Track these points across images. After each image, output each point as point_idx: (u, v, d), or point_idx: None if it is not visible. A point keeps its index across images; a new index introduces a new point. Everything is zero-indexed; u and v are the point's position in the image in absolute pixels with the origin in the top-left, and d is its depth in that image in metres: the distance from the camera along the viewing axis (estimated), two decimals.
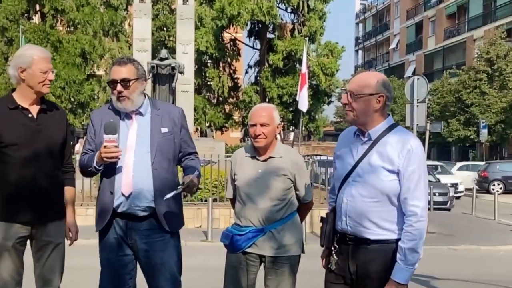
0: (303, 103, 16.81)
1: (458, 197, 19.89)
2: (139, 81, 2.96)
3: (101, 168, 2.92)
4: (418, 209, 2.49)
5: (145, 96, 3.05)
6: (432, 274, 6.74)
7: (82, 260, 5.80)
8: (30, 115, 3.00)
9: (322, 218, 2.81)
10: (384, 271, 2.52)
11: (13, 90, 3.08)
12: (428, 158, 18.45)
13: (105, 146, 2.82)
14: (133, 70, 2.95)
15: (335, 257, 2.67)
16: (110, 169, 2.92)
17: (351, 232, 2.59)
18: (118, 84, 2.91)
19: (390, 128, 2.58)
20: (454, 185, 20.10)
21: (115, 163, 2.89)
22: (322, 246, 2.76)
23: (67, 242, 3.17)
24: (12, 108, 2.98)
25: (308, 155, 22.10)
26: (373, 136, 2.57)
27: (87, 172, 3.01)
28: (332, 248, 2.69)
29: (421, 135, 15.60)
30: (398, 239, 2.53)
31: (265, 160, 3.18)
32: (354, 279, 2.60)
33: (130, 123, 2.98)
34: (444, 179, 20.20)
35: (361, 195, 2.55)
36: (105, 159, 2.84)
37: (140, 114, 3.00)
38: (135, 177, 2.86)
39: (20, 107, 2.99)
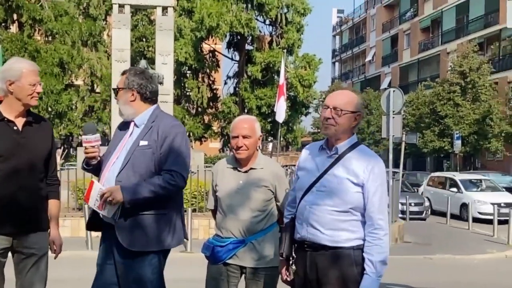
0: (280, 114, 16.95)
1: None
2: (125, 91, 2.99)
3: (88, 168, 3.04)
4: (383, 222, 2.65)
5: (150, 107, 3.02)
6: (408, 283, 6.87)
7: (62, 271, 5.76)
8: (15, 128, 3.00)
9: (280, 227, 2.92)
10: (341, 276, 2.63)
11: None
12: (404, 168, 18.22)
13: (85, 147, 2.93)
14: (123, 80, 3.02)
15: (293, 267, 2.78)
16: (98, 175, 3.04)
17: (310, 239, 2.70)
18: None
19: (355, 145, 2.74)
20: (509, 205, 14.59)
21: (99, 167, 2.99)
22: (281, 255, 2.85)
23: (50, 254, 3.15)
24: None
25: (286, 165, 22.20)
26: (339, 150, 2.72)
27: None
28: (291, 258, 2.80)
29: (397, 146, 15.85)
30: (354, 246, 2.65)
31: (246, 172, 3.22)
32: (315, 286, 2.69)
33: (128, 132, 3.03)
34: (493, 197, 16.14)
35: (325, 203, 2.67)
36: (86, 159, 2.95)
37: (136, 125, 3.02)
38: (104, 186, 2.90)
39: (5, 119, 2.99)
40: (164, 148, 2.88)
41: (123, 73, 3.08)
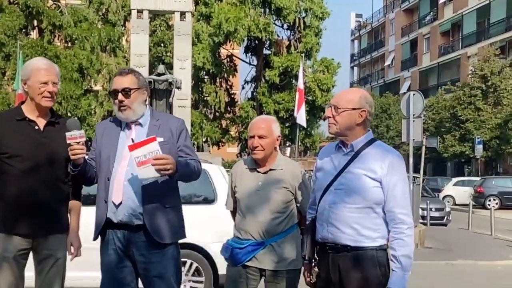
0: (302, 118, 16.81)
1: None
2: (140, 91, 2.98)
3: (76, 170, 2.89)
4: (406, 216, 2.60)
5: (146, 107, 3.06)
6: None
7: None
8: (36, 127, 2.99)
9: (302, 229, 2.89)
10: (364, 278, 2.58)
11: (23, 102, 3.09)
12: (424, 173, 17.88)
13: (69, 144, 2.81)
14: (134, 80, 2.98)
15: (316, 269, 2.74)
16: (104, 178, 2.94)
17: (332, 239, 2.65)
18: (120, 94, 2.94)
19: (371, 142, 2.70)
20: None
21: (105, 171, 2.91)
22: (303, 257, 2.83)
23: (68, 256, 3.12)
24: (19, 119, 2.99)
25: (304, 170, 22.13)
26: (355, 147, 2.68)
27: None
28: (313, 260, 2.76)
29: (417, 150, 15.64)
30: (377, 247, 2.60)
31: (265, 173, 3.17)
32: None
33: (129, 133, 2.99)
34: None
35: (344, 201, 2.63)
36: (72, 157, 2.83)
37: (140, 124, 3.01)
38: (126, 186, 2.87)
39: (27, 119, 2.99)
40: (180, 142, 3.03)
41: (126, 73, 3.01)
